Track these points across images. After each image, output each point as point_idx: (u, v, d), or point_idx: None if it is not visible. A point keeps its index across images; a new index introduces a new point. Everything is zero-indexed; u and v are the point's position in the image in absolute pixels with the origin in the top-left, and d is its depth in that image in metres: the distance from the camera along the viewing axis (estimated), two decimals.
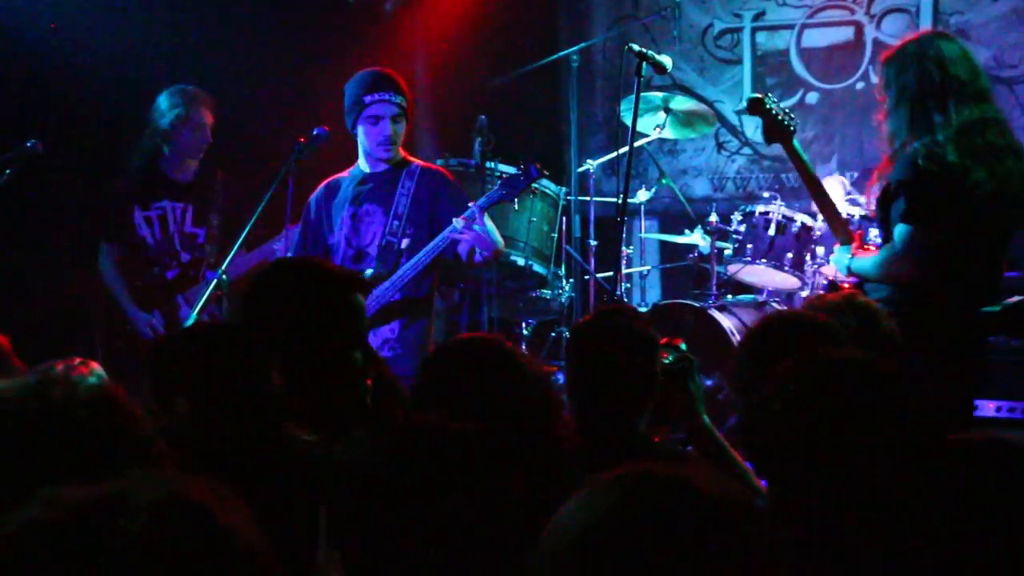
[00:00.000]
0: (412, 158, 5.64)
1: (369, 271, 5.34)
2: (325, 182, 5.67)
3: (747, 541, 1.46)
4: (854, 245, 4.94)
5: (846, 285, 4.86)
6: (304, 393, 2.85)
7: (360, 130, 5.46)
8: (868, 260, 4.80)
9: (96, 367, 3.80)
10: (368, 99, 5.38)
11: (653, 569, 1.41)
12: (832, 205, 5.06)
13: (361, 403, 3.05)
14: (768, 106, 5.15)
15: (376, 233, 5.45)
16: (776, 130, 5.17)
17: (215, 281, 5.42)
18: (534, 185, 7.05)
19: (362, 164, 5.56)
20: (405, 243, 5.40)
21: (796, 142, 5.09)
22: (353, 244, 5.49)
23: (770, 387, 2.27)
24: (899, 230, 4.64)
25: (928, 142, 4.60)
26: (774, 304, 7.41)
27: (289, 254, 5.67)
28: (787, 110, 5.24)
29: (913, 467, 2.03)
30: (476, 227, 5.17)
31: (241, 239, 5.54)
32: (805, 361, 2.33)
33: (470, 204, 5.30)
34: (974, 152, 4.59)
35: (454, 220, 5.23)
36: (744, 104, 5.14)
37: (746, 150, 9.23)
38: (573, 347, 3.52)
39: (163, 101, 6.33)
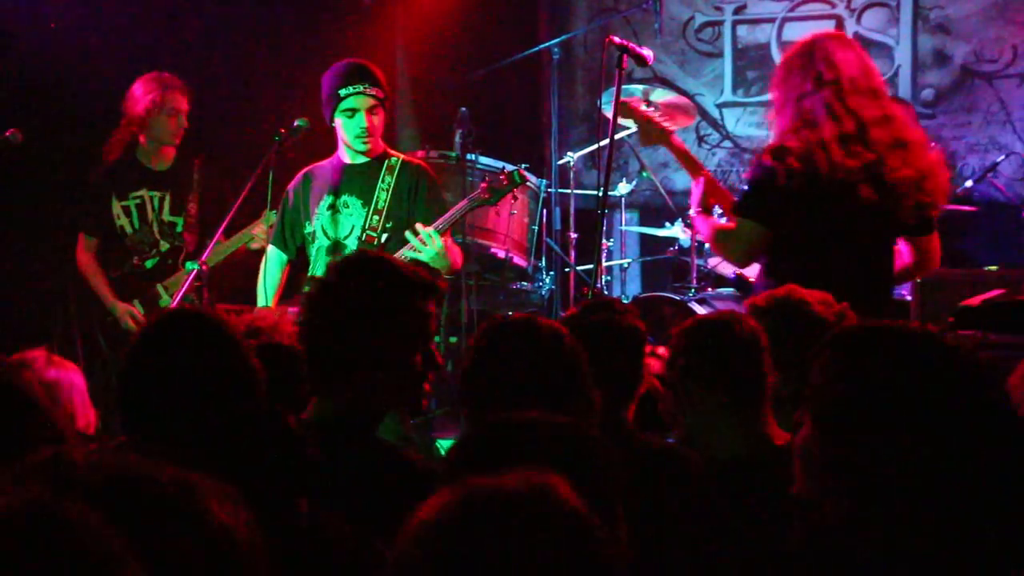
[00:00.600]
0: (393, 151, 5.63)
1: None
2: (304, 170, 5.67)
3: (586, 561, 1.43)
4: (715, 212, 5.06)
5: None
6: (359, 389, 2.93)
7: (337, 123, 5.45)
8: (710, 226, 4.87)
9: (56, 359, 3.81)
10: (344, 92, 5.37)
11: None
12: (722, 193, 5.10)
13: (416, 405, 3.14)
14: (642, 108, 5.31)
15: (354, 226, 5.44)
16: (653, 132, 5.24)
17: (195, 271, 5.39)
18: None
19: (342, 155, 5.55)
20: (384, 238, 5.39)
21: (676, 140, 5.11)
22: (330, 235, 5.48)
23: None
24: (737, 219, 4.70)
25: (806, 142, 4.54)
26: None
27: (271, 243, 5.68)
28: (657, 107, 5.43)
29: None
30: (430, 249, 5.17)
31: (220, 230, 5.52)
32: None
33: (431, 227, 5.26)
34: (852, 153, 4.52)
35: (408, 235, 5.24)
36: (610, 107, 5.25)
37: (727, 143, 9.24)
38: None
39: (137, 88, 6.31)
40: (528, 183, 7.04)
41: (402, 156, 5.61)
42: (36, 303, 7.03)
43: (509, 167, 6.66)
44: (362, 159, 5.51)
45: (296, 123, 5.54)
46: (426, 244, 5.19)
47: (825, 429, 2.02)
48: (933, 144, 4.83)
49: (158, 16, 7.75)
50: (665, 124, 5.20)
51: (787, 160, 4.51)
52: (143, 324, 6.05)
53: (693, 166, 5.11)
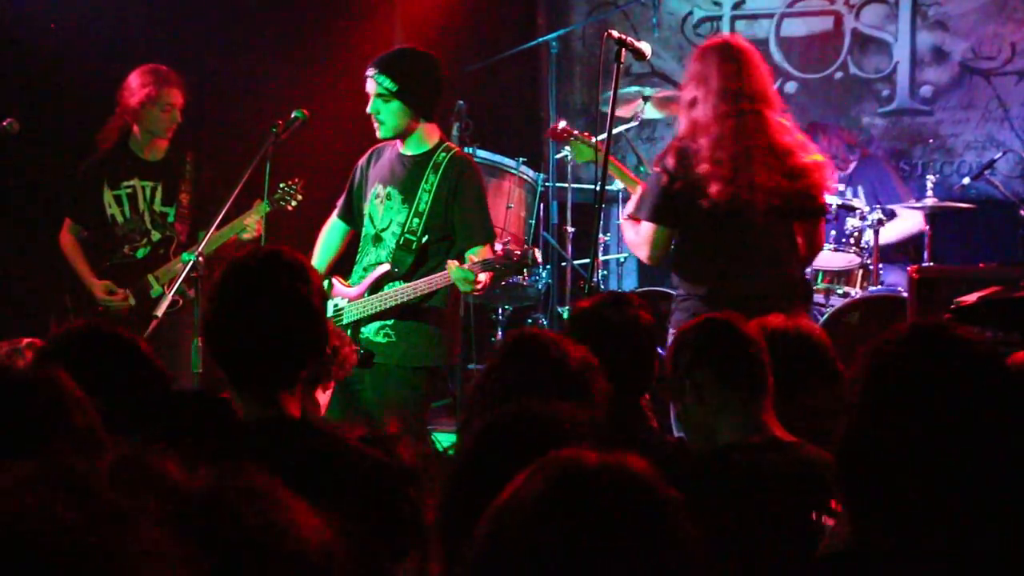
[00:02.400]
0: (450, 143, 5.44)
1: (385, 267, 5.22)
2: (372, 148, 5.51)
3: (667, 534, 1.47)
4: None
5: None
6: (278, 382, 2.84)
7: None
8: (631, 229, 5.28)
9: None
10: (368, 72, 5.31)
11: (571, 554, 1.42)
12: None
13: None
14: (573, 132, 5.86)
15: (392, 220, 5.29)
16: (584, 150, 5.80)
17: (191, 262, 5.38)
18: (512, 171, 7.07)
19: (399, 142, 5.39)
20: (424, 240, 5.22)
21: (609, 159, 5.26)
22: (375, 224, 5.36)
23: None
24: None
25: (686, 142, 5.02)
26: None
27: (336, 215, 5.56)
28: (584, 132, 5.94)
29: None
30: (466, 285, 4.96)
31: (217, 222, 5.50)
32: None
33: (470, 258, 5.06)
34: (731, 155, 4.94)
35: (450, 267, 4.99)
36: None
37: None
38: (575, 333, 3.52)
39: (133, 80, 6.30)
40: (525, 177, 7.04)
41: (454, 150, 5.39)
42: (32, 294, 7.02)
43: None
44: (415, 150, 5.32)
45: (293, 114, 5.51)
46: (467, 280, 4.94)
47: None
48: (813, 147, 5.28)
49: (158, 8, 7.74)
50: (591, 140, 5.78)
51: (666, 162, 5.04)
52: (121, 298, 6.14)
53: (628, 179, 5.65)
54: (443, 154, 5.29)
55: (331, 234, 5.57)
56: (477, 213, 5.28)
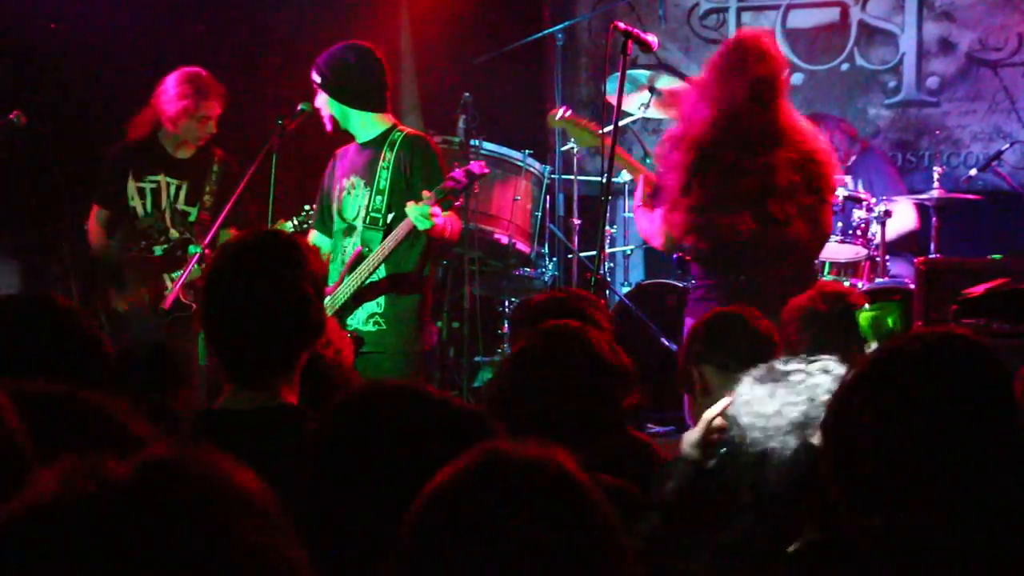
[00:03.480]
0: (402, 127, 5.57)
1: (355, 245, 5.32)
2: (336, 151, 5.65)
3: (588, 526, 1.48)
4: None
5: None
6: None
7: None
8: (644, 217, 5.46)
9: None
10: None
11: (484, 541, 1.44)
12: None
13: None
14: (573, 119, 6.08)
15: (359, 207, 5.41)
16: (586, 136, 6.02)
17: (199, 254, 5.40)
18: (518, 163, 7.07)
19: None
20: (390, 218, 5.33)
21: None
22: (344, 218, 5.45)
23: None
24: None
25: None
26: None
27: (313, 226, 5.67)
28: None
29: None
30: (426, 220, 5.08)
31: (223, 215, 5.51)
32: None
33: (425, 193, 5.14)
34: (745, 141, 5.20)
35: (407, 210, 5.13)
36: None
37: None
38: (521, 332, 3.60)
39: (172, 87, 6.21)
40: (531, 170, 7.04)
41: (406, 131, 5.52)
42: (38, 286, 7.03)
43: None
44: (369, 136, 5.46)
45: (299, 107, 5.53)
46: (423, 215, 5.07)
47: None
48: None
49: (166, 5, 7.74)
50: (587, 125, 6.00)
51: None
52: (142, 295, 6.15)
53: (631, 167, 5.87)
54: (397, 133, 5.45)
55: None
56: (432, 174, 5.36)
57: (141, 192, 6.31)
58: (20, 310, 2.81)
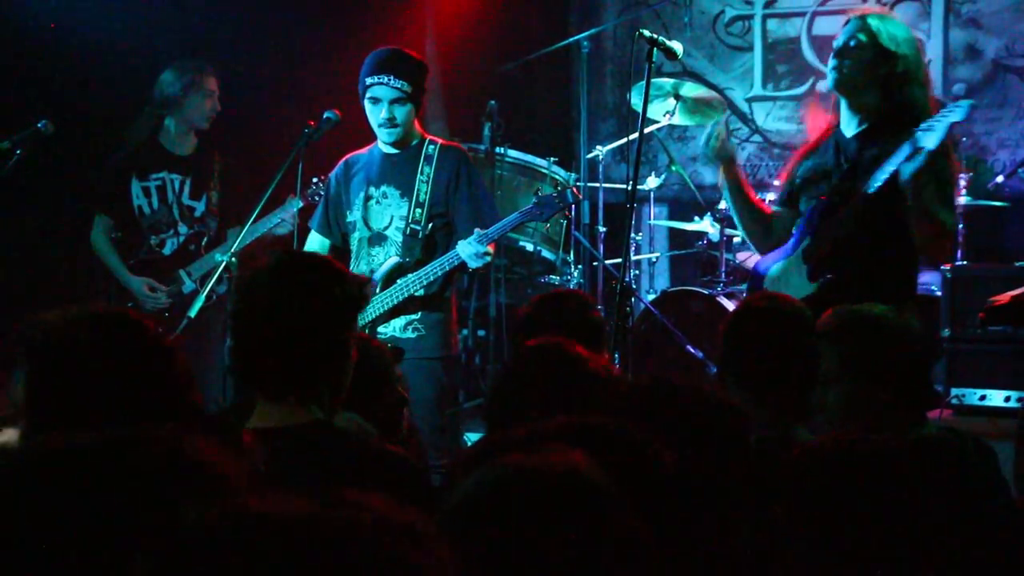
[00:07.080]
0: (432, 137, 5.54)
1: (394, 260, 5.30)
2: (344, 158, 5.63)
3: (605, 531, 1.48)
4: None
5: None
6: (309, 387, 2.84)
7: (366, 108, 5.43)
8: None
9: None
10: (369, 80, 5.35)
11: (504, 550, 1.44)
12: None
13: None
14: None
15: (393, 216, 5.39)
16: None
17: (224, 262, 5.43)
18: (544, 171, 7.07)
19: (380, 143, 5.50)
20: (429, 228, 5.34)
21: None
22: (371, 226, 5.45)
23: None
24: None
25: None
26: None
27: (313, 228, 5.64)
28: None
29: None
30: (479, 259, 5.15)
31: (250, 222, 5.52)
32: None
33: (478, 230, 5.15)
34: None
35: (460, 248, 5.16)
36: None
37: (756, 138, 9.21)
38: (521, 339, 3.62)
39: (169, 73, 6.37)
40: (556, 177, 7.04)
41: (440, 142, 5.49)
42: (51, 295, 7.06)
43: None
44: (401, 147, 5.43)
45: (326, 115, 5.53)
46: (476, 254, 5.13)
47: None
48: None
49: (188, 8, 7.78)
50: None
51: None
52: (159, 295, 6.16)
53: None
54: (431, 146, 5.42)
55: (313, 248, 5.61)
56: (477, 200, 5.41)
57: (146, 190, 6.40)
58: (108, 328, 2.73)
